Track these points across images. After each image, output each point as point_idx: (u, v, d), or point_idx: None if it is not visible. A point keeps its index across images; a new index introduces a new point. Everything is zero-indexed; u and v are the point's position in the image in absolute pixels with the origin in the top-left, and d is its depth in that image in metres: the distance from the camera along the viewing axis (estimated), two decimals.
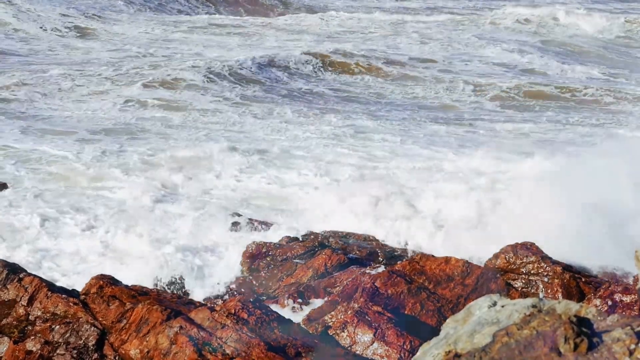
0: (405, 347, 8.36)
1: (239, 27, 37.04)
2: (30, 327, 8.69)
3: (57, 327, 8.57)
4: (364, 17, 40.49)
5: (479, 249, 10.95)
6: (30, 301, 8.82)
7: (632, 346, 2.80)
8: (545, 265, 9.60)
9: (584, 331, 2.85)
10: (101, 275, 9.30)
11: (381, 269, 10.01)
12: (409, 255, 11.53)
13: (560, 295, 9.34)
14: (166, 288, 11.31)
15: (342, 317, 8.84)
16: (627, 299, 8.47)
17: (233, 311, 7.96)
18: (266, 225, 13.05)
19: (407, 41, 33.72)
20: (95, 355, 8.35)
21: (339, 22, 39.23)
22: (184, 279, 11.58)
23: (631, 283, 9.21)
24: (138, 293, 8.89)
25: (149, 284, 10.77)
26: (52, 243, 12.79)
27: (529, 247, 9.88)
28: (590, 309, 3.02)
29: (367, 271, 10.03)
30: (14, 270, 9.15)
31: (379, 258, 11.49)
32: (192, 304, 8.89)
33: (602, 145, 18.01)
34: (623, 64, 31.62)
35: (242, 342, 7.62)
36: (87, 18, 36.25)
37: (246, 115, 21.44)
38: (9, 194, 14.67)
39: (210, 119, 20.88)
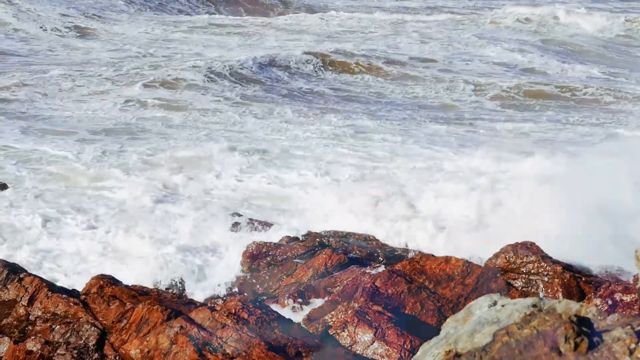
0: (405, 346, 8.36)
1: (239, 26, 37.05)
2: (30, 327, 8.70)
3: (58, 327, 8.57)
4: (364, 17, 40.51)
5: (479, 249, 10.95)
6: (31, 301, 8.83)
7: (632, 345, 2.80)
8: (545, 265, 9.60)
9: (584, 330, 2.85)
10: (101, 275, 9.31)
11: (381, 268, 10.01)
12: (409, 255, 11.53)
13: (560, 294, 9.34)
14: (166, 288, 11.31)
15: (343, 316, 8.84)
16: (627, 298, 8.47)
17: (233, 311, 7.96)
18: (266, 225, 13.04)
19: (407, 41, 33.72)
20: (96, 355, 8.35)
21: (339, 22, 39.25)
22: (184, 280, 11.58)
23: (631, 282, 9.21)
24: (138, 293, 8.89)
25: (149, 284, 10.77)
26: (53, 243, 12.78)
27: (529, 247, 9.88)
28: (590, 309, 3.02)
29: (368, 271, 10.03)
30: (14, 270, 9.16)
31: (379, 258, 11.48)
32: (193, 304, 8.90)
33: (602, 145, 17.99)
34: (623, 63, 31.61)
35: (242, 342, 7.62)
36: (87, 18, 36.26)
37: (246, 115, 21.44)
38: (9, 194, 14.67)
39: (211, 119, 20.89)
